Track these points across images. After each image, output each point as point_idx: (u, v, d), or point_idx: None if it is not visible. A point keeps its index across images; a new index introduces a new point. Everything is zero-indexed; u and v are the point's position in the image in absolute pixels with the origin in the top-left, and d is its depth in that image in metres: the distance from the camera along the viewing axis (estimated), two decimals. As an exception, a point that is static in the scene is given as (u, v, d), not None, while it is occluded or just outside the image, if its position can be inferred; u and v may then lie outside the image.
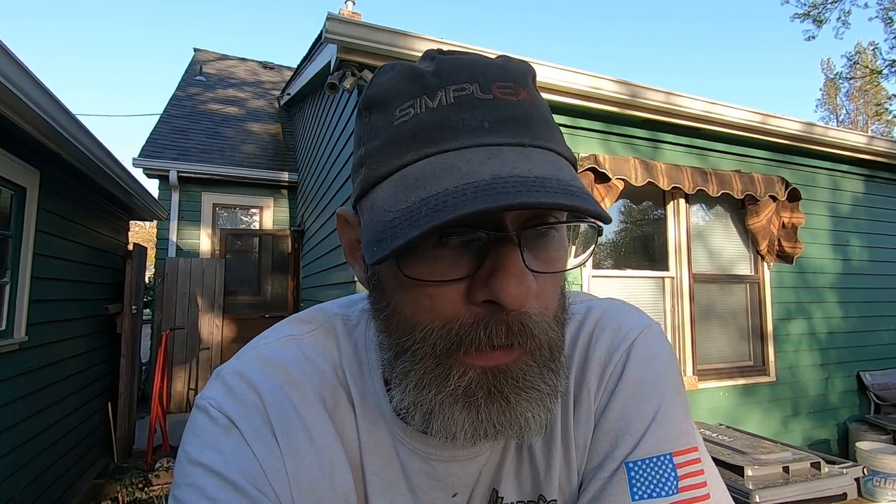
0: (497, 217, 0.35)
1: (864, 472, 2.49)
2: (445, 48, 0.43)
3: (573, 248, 0.42)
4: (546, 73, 2.79)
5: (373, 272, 0.41)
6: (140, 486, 3.60)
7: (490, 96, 0.37)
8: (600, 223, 0.37)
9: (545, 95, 2.90)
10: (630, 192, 3.27)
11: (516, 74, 0.40)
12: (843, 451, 3.78)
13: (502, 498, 0.49)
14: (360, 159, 0.41)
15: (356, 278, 0.44)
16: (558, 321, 0.40)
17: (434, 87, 0.38)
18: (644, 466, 0.44)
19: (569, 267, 0.39)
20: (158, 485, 3.65)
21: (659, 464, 0.44)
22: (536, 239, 0.37)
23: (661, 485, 0.43)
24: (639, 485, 0.43)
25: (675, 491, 0.43)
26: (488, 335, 0.35)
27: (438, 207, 0.32)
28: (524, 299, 0.34)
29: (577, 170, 0.41)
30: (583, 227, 0.41)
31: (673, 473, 0.44)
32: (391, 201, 0.36)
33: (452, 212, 0.31)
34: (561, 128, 3.08)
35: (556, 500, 0.48)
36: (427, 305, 0.36)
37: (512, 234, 0.35)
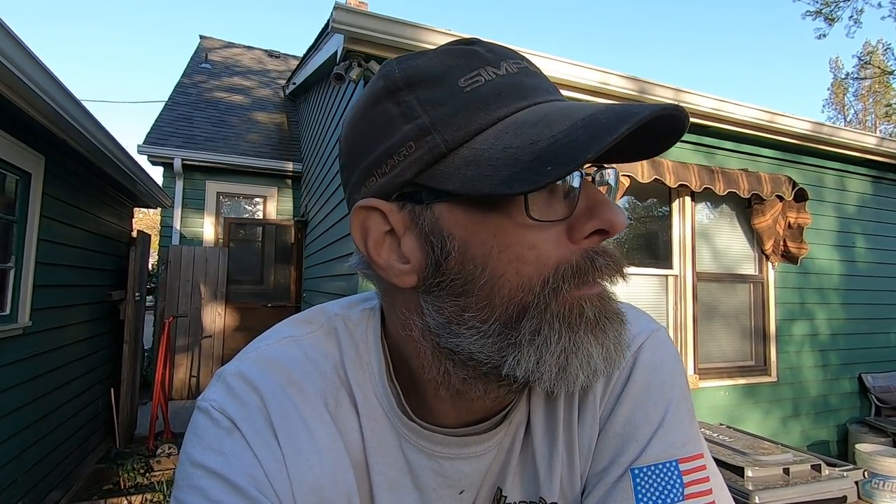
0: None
1: (864, 475, 2.48)
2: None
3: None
4: (556, 68, 2.76)
5: (441, 249, 0.38)
6: (141, 471, 3.63)
7: (537, 71, 0.41)
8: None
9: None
10: (635, 189, 3.25)
11: None
12: (843, 452, 3.78)
13: (506, 497, 0.49)
14: (420, 130, 0.37)
15: (383, 273, 0.41)
16: None
17: (495, 60, 0.39)
18: (650, 473, 0.44)
19: None
20: (160, 470, 3.68)
21: (665, 470, 0.44)
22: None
23: (666, 491, 0.43)
24: (644, 491, 0.43)
25: (680, 498, 0.43)
26: (607, 263, 0.38)
27: (618, 117, 0.33)
28: (626, 222, 0.38)
29: None
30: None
31: (679, 480, 0.44)
32: (521, 137, 0.35)
33: (635, 116, 0.32)
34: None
35: (556, 503, 0.48)
36: (532, 258, 0.36)
37: (609, 168, 0.42)
